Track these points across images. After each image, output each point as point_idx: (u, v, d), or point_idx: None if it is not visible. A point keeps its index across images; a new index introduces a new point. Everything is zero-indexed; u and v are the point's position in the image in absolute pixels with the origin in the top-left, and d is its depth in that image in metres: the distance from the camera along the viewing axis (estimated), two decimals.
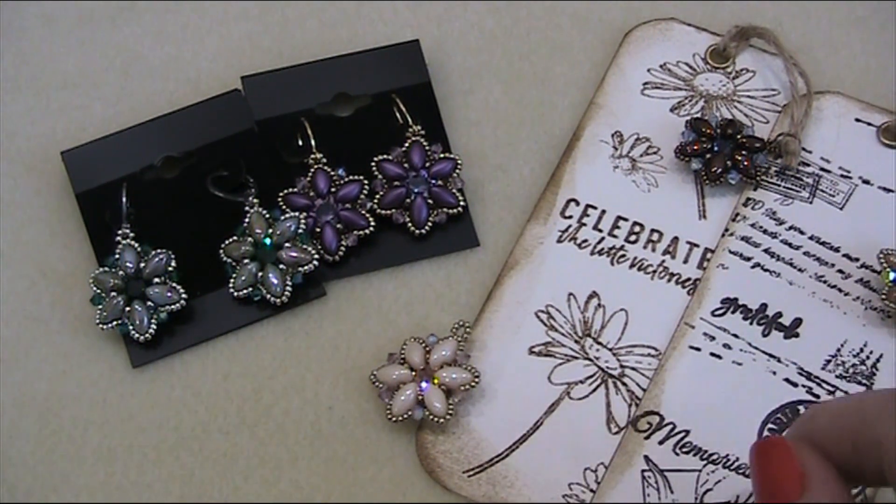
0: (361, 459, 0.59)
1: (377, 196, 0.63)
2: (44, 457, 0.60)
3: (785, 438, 0.44)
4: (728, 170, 0.62)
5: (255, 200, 0.62)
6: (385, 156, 0.63)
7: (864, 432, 0.42)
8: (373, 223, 0.62)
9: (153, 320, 0.61)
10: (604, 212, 0.63)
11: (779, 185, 0.63)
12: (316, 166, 0.63)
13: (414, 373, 0.59)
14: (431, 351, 0.59)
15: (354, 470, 0.59)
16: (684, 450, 0.58)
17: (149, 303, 0.61)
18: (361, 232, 0.62)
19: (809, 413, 0.44)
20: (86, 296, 0.62)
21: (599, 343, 0.60)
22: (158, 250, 0.61)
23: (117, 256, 0.61)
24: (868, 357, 0.59)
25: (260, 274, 0.61)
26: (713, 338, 0.60)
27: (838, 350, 0.59)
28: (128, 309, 0.61)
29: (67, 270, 0.63)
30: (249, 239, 0.61)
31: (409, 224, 0.62)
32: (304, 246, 0.61)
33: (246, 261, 0.61)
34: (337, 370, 0.61)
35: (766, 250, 0.61)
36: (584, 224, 0.63)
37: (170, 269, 0.61)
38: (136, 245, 0.61)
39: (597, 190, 0.63)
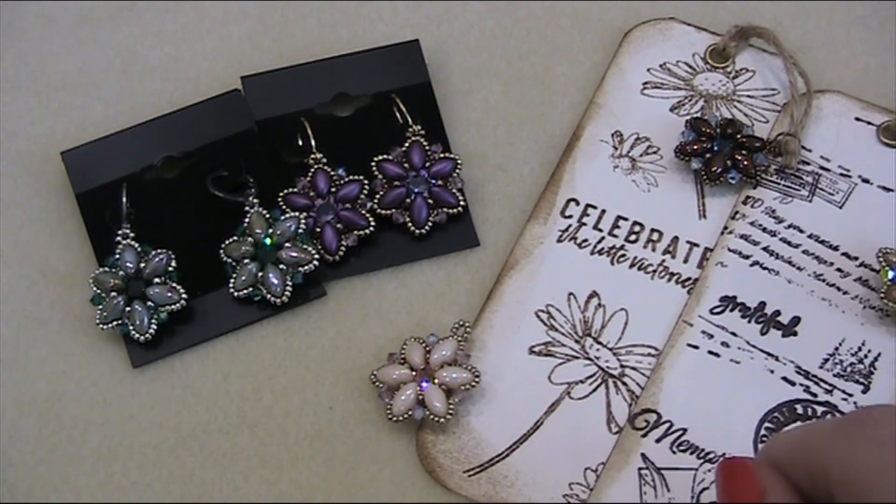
0: (361, 459, 0.59)
1: (377, 196, 0.63)
2: (44, 457, 0.60)
3: (748, 459, 0.47)
4: (728, 169, 0.62)
5: (255, 200, 0.62)
6: (385, 156, 0.63)
7: (813, 460, 0.44)
8: (373, 223, 0.62)
9: (153, 320, 0.61)
10: (604, 211, 0.63)
11: (778, 184, 0.63)
12: (316, 166, 0.63)
13: (414, 373, 0.59)
14: (431, 351, 0.59)
15: (354, 470, 0.59)
16: (681, 448, 0.58)
17: (149, 303, 0.61)
18: (361, 232, 0.62)
19: (770, 441, 0.48)
20: (86, 296, 0.62)
21: (599, 343, 0.60)
22: (158, 250, 0.61)
23: (117, 256, 0.61)
24: (866, 356, 0.59)
25: (260, 274, 0.61)
26: (711, 336, 0.60)
27: (836, 349, 0.59)
28: (128, 309, 0.61)
29: (67, 270, 0.64)
30: (249, 239, 0.61)
31: (409, 224, 0.62)
32: (304, 246, 0.61)
33: (246, 261, 0.61)
34: (337, 370, 0.61)
35: (765, 248, 0.61)
36: (584, 224, 0.63)
37: (170, 269, 0.61)
38: (136, 245, 0.61)
39: (597, 190, 0.63)
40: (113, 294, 0.61)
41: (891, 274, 0.58)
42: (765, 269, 0.61)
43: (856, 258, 0.61)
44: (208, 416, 0.61)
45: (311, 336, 0.62)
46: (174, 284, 0.61)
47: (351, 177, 0.63)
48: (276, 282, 0.61)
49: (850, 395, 0.58)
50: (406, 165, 0.63)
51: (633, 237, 0.62)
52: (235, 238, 0.62)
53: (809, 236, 0.61)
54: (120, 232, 0.62)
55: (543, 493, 0.57)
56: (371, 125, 0.65)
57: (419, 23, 0.68)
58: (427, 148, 0.63)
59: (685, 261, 0.62)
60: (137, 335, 0.60)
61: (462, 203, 0.63)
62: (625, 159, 0.64)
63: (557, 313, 0.61)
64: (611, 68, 0.66)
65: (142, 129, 0.65)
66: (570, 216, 0.63)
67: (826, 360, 0.59)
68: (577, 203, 0.63)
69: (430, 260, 0.63)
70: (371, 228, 0.62)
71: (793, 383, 0.59)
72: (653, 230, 0.62)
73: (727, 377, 0.59)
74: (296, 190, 0.63)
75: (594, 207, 0.63)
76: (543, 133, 0.66)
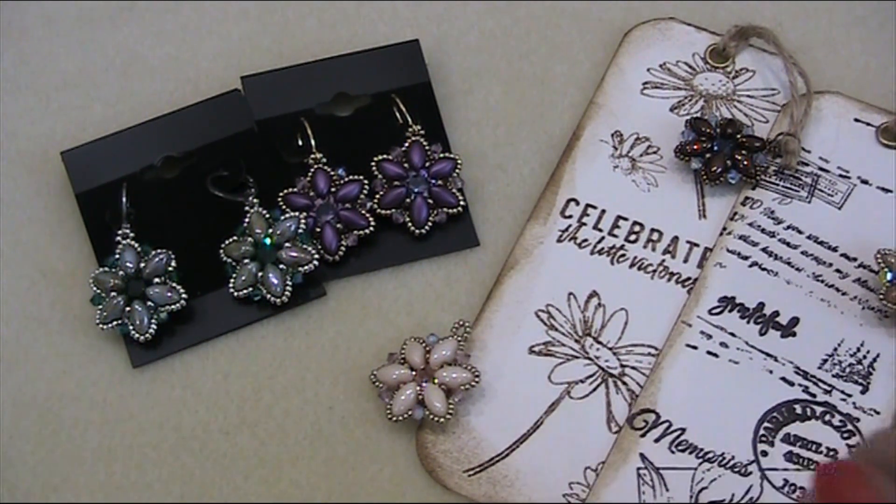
0: (361, 459, 0.59)
1: (377, 196, 0.63)
2: (44, 457, 0.60)
3: (853, 463, 0.45)
4: (728, 169, 0.62)
5: (255, 200, 0.62)
6: (385, 156, 0.63)
7: None
8: (373, 223, 0.62)
9: (153, 320, 0.61)
10: (604, 211, 0.63)
11: (777, 185, 0.63)
12: (316, 166, 0.63)
13: (414, 372, 0.59)
14: (431, 350, 0.59)
15: (354, 470, 0.59)
16: (680, 448, 0.58)
17: (149, 303, 0.61)
18: (361, 232, 0.62)
19: (870, 440, 0.47)
20: (86, 296, 0.62)
21: (599, 342, 0.60)
22: (158, 250, 0.61)
23: (117, 256, 0.61)
24: (865, 356, 0.59)
25: (260, 274, 0.61)
26: (710, 336, 0.60)
27: (835, 349, 0.59)
28: (128, 309, 0.61)
29: (67, 270, 0.64)
30: (249, 239, 0.61)
31: (409, 224, 0.62)
32: (304, 246, 0.61)
33: (246, 261, 0.61)
34: (337, 370, 0.61)
35: (764, 249, 0.61)
36: (584, 224, 0.63)
37: (170, 269, 0.61)
38: (136, 245, 0.61)
39: (597, 190, 0.63)
40: (113, 294, 0.61)
41: (889, 275, 0.58)
42: (764, 269, 0.61)
43: (854, 259, 0.61)
44: (208, 416, 0.61)
45: (311, 336, 0.62)
46: (174, 284, 0.61)
47: (351, 177, 0.63)
48: (276, 282, 0.61)
49: (849, 396, 0.58)
50: (406, 165, 0.63)
51: (632, 237, 0.62)
52: (235, 238, 0.62)
53: (808, 237, 0.61)
54: (120, 232, 0.62)
55: (543, 492, 0.58)
56: (371, 125, 0.65)
57: (419, 23, 0.68)
58: (427, 148, 0.63)
59: (685, 261, 0.62)
60: (137, 335, 0.60)
61: (462, 203, 0.63)
62: (625, 159, 0.64)
63: (557, 313, 0.61)
64: (611, 68, 0.66)
65: (142, 129, 0.65)
66: (570, 216, 0.63)
67: (825, 361, 0.59)
68: (577, 203, 0.63)
69: (430, 260, 0.63)
70: (371, 228, 0.62)
71: (791, 384, 0.59)
72: (653, 230, 0.62)
73: (726, 377, 0.59)
74: (296, 190, 0.63)
75: (594, 207, 0.63)
76: (543, 133, 0.66)
